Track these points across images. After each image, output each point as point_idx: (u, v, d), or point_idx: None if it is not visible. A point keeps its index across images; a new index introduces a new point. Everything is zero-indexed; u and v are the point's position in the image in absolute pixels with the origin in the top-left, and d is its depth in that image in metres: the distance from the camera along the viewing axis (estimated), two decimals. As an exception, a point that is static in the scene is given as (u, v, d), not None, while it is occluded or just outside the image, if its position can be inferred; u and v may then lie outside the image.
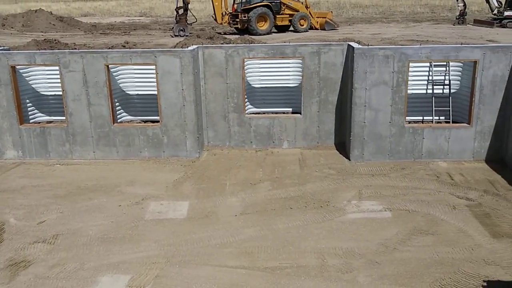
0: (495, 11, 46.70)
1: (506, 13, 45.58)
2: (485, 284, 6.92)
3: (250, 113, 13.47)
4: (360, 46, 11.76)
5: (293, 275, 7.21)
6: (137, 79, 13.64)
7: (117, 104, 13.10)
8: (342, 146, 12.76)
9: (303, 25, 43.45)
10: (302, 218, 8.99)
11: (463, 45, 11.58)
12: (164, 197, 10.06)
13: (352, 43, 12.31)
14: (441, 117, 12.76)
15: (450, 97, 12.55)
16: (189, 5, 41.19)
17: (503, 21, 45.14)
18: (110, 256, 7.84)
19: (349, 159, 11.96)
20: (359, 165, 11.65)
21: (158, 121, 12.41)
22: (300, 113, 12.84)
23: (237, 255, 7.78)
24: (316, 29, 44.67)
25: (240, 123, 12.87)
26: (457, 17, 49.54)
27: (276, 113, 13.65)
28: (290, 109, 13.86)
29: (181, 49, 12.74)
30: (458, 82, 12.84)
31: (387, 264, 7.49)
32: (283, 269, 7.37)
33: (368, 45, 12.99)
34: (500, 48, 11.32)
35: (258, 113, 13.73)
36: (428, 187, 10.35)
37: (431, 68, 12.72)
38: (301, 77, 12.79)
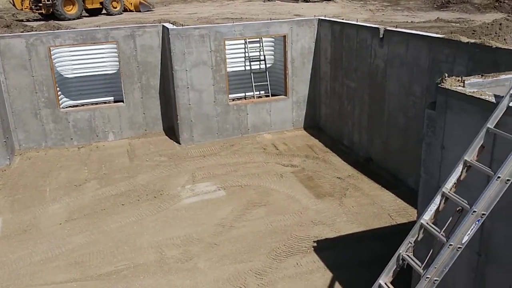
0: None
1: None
2: (315, 244, 7.42)
3: (66, 107, 12.27)
4: (175, 27, 11.46)
5: (131, 277, 6.78)
6: None
7: None
8: (171, 130, 12.47)
9: (116, 8, 41.34)
10: (135, 213, 8.52)
11: (272, 21, 12.12)
12: (-31, 217, 8.59)
13: (166, 24, 11.95)
14: (261, 92, 13.30)
15: (267, 72, 13.12)
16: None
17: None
18: None
19: (180, 143, 11.76)
20: (190, 148, 11.53)
21: (-50, 129, 10.49)
22: (123, 101, 12.13)
23: (66, 268, 7.01)
24: (131, 11, 42.98)
25: (55, 119, 11.62)
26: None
27: (97, 103, 12.69)
28: (112, 98, 13.01)
29: (-32, 41, 10.85)
30: (272, 57, 13.49)
31: (226, 243, 7.53)
32: (119, 272, 6.87)
33: (183, 26, 12.76)
34: (305, 21, 12.13)
35: (76, 106, 12.60)
36: (257, 159, 10.73)
37: (246, 45, 13.09)
38: (118, 63, 12.02)
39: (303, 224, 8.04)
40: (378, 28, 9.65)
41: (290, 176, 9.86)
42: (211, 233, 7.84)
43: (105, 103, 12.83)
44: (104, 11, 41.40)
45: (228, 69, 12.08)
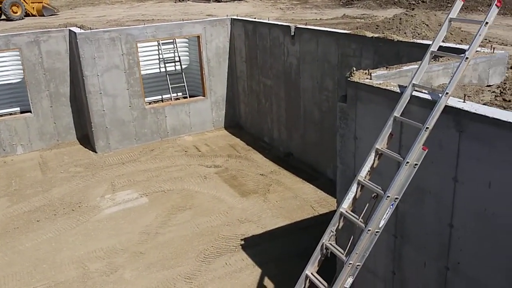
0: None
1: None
2: (243, 242, 7.47)
3: (-35, 122, 11.29)
4: (82, 31, 10.96)
5: (52, 296, 6.41)
6: None
7: None
8: (86, 139, 11.93)
9: (16, 13, 38.59)
10: (53, 229, 8.05)
11: (185, 21, 11.99)
12: None
13: (73, 28, 11.40)
14: (178, 94, 13.13)
15: (183, 73, 12.97)
16: None
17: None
18: None
19: (96, 152, 11.27)
20: (107, 156, 11.10)
21: None
22: (31, 111, 11.40)
23: (-23, 295, 6.48)
24: (34, 15, 40.44)
25: (-47, 135, 10.66)
26: (178, -5, 51.76)
27: (1, 115, 11.81)
28: (18, 109, 12.17)
29: None
30: (188, 58, 13.35)
31: (152, 251, 7.35)
32: (39, 293, 6.47)
33: (91, 29, 12.24)
34: (218, 21, 12.13)
35: (-23, 120, 11.62)
36: (179, 163, 10.58)
37: (160, 47, 12.84)
38: (22, 71, 11.26)
39: (229, 223, 8.06)
40: (289, 26, 9.89)
41: (214, 176, 9.84)
42: (136, 242, 7.61)
43: (10, 114, 11.97)
44: (3, 17, 38.60)
45: (142, 72, 11.79)
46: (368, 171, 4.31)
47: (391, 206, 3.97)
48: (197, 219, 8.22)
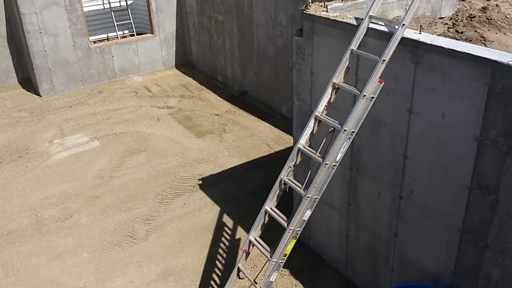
0: None
1: None
2: (200, 182, 7.45)
3: None
4: (14, -37, 10.01)
5: (5, 245, 6.22)
6: None
7: None
8: (28, 82, 11.24)
9: None
10: (0, 177, 7.71)
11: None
12: None
13: (3, -40, 10.39)
14: (125, 31, 12.46)
15: (129, 9, 12.25)
16: None
17: None
18: None
19: (40, 95, 10.68)
20: (52, 100, 10.56)
21: None
22: (-37, 54, 10.55)
23: None
24: None
25: None
26: None
27: None
28: None
29: None
30: (133, -7, 12.59)
31: (107, 195, 7.21)
32: (-10, 243, 6.27)
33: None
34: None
35: None
36: (130, 104, 10.24)
37: (102, -19, 11.99)
38: (-52, 9, 10.28)
39: (186, 164, 7.98)
40: (239, -43, 9.42)
41: (167, 118, 9.62)
42: (90, 187, 7.43)
43: None
44: None
45: (85, 9, 11.06)
46: (325, 106, 4.28)
47: (347, 140, 4.00)
48: (152, 161, 8.09)
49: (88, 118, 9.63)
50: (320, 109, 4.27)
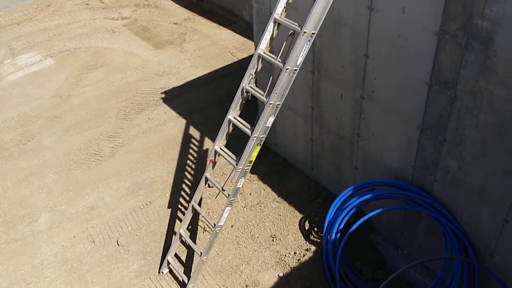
0: None
1: None
2: (163, 95, 7.28)
3: None
4: None
5: (-33, 172, 6.10)
6: None
7: None
8: (-33, -2, 10.36)
9: None
10: (-50, 103, 7.36)
11: None
12: None
13: None
14: None
15: None
16: None
17: None
18: None
19: (-18, 13, 9.93)
20: (-3, 17, 9.85)
21: None
22: None
23: None
24: None
25: None
26: None
27: None
28: None
29: None
30: None
31: (68, 114, 7.01)
32: (-49, 171, 6.11)
33: None
34: None
35: None
36: (82, 18, 9.65)
37: None
38: None
39: (147, 78, 7.75)
40: None
41: (123, 30, 9.15)
42: (49, 107, 7.19)
43: None
44: None
45: None
46: (284, 7, 4.09)
47: (308, 43, 3.88)
48: (111, 76, 7.81)
49: (39, 35, 9.07)
50: (279, 11, 4.08)
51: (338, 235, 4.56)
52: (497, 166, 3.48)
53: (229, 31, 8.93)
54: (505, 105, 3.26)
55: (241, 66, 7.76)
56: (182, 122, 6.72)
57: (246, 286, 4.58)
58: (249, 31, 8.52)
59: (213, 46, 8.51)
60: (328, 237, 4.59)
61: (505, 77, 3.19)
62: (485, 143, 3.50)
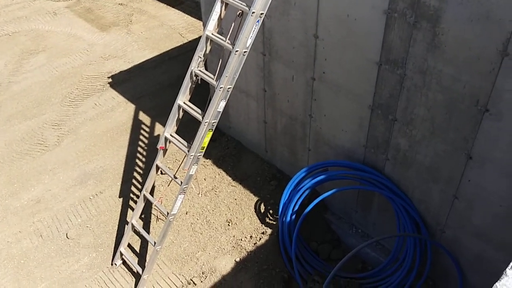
0: None
1: None
2: (110, 80, 6.99)
3: None
4: None
5: None
6: None
7: None
8: None
9: None
10: None
11: None
12: None
13: None
14: None
15: None
16: None
17: None
18: None
19: None
20: None
21: None
22: None
23: None
24: None
25: None
26: None
27: None
28: None
29: None
30: None
31: (8, 102, 6.62)
32: None
33: None
34: None
35: None
36: (18, 0, 9.08)
37: None
38: None
39: (92, 62, 7.41)
40: None
41: (65, 12, 8.69)
42: (-13, 95, 6.76)
43: None
44: None
45: None
46: (231, -14, 3.95)
47: (257, 23, 3.77)
48: (54, 61, 7.41)
49: (-28, 18, 8.49)
50: (226, -9, 3.94)
51: (293, 216, 4.55)
52: (446, 143, 3.54)
53: (177, 11, 8.67)
54: (453, 83, 3.29)
55: (191, 47, 7.55)
56: (131, 107, 6.48)
57: (202, 273, 4.51)
58: (198, 11, 8.29)
59: (161, 27, 8.23)
60: (284, 219, 4.57)
61: (452, 55, 3.21)
62: (434, 121, 3.54)
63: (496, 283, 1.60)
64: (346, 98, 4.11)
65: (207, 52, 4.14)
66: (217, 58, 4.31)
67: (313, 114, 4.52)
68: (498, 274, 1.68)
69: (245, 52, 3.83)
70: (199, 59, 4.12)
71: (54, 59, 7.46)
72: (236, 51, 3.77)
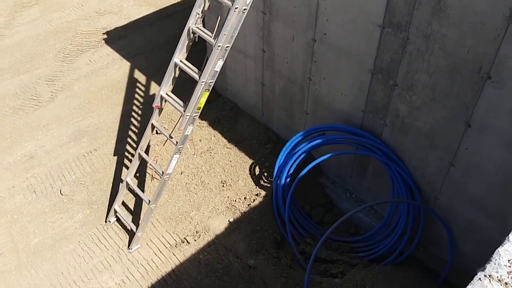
0: None
1: None
2: (105, 36, 6.82)
3: None
4: None
5: None
6: None
7: None
8: None
9: None
10: None
11: None
12: None
13: None
14: None
15: None
16: None
17: None
18: None
19: None
20: None
21: None
22: None
23: None
24: None
25: None
26: None
27: None
28: None
29: None
30: None
31: (1, 56, 6.47)
32: None
33: None
34: None
35: None
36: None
37: None
38: None
39: (87, 17, 7.21)
40: None
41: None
42: (-22, 48, 6.60)
43: None
44: None
45: None
46: None
47: (258, -20, 3.65)
48: (47, 15, 7.21)
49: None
50: None
51: (288, 179, 4.54)
52: (446, 110, 3.49)
53: (175, -34, 8.39)
54: (457, 48, 3.22)
55: (188, 4, 7.33)
56: (126, 65, 6.36)
57: (196, 232, 4.53)
58: (197, -33, 8.03)
59: (158, -17, 7.98)
60: (278, 181, 4.57)
61: (457, 19, 3.13)
62: (435, 87, 3.48)
63: (498, 248, 1.59)
64: (346, 61, 4.03)
65: (206, 8, 4.02)
66: (215, 16, 4.19)
67: (313, 77, 4.44)
68: (489, 242, 1.67)
69: (245, 9, 3.72)
70: (197, 15, 4.01)
71: (48, 12, 7.25)
72: (236, 8, 3.66)
